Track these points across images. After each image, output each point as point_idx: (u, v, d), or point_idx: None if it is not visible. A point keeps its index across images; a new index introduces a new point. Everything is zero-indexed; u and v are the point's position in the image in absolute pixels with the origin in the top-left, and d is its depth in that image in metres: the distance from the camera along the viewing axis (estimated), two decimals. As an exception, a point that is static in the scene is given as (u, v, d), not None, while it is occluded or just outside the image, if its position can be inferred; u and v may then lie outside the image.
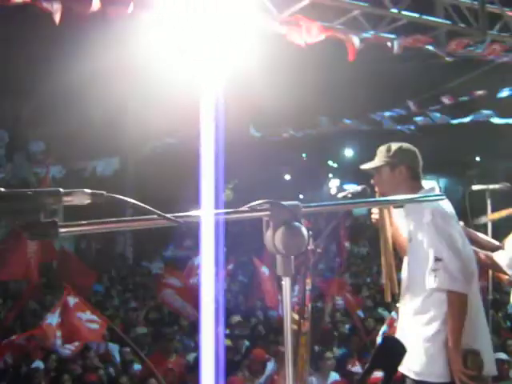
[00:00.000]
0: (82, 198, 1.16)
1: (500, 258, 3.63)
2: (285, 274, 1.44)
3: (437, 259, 3.07)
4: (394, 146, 3.41)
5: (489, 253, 3.72)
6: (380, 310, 10.12)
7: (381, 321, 8.53)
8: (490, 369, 3.20)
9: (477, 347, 3.11)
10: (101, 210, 1.91)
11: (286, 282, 1.45)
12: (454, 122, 13.97)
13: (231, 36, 5.07)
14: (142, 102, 16.33)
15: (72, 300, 6.47)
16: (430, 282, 3.11)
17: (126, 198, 1.21)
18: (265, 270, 8.89)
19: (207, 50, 4.79)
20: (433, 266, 3.08)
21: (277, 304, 8.60)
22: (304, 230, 1.41)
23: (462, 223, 3.61)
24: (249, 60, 6.07)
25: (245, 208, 1.42)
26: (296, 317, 4.18)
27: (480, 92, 9.94)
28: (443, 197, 1.93)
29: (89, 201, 1.18)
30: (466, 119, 12.48)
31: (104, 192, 1.20)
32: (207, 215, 1.39)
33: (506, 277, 4.17)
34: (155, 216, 1.23)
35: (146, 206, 1.23)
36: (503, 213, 4.12)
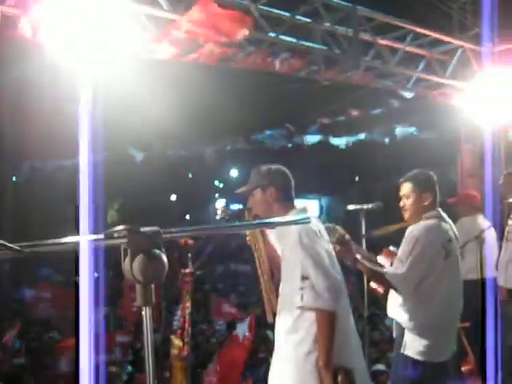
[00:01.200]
0: None
1: (391, 275, 3.75)
2: (144, 303, 1.38)
3: (303, 278, 3.09)
4: (264, 168, 3.45)
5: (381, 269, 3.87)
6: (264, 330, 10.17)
7: (265, 340, 8.59)
8: None
9: (348, 364, 3.15)
10: None
11: (145, 312, 1.40)
12: (335, 142, 14.54)
13: (107, 51, 4.97)
14: (18, 122, 15.66)
15: None
16: (297, 300, 3.12)
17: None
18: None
19: (84, 67, 4.68)
20: (300, 285, 3.09)
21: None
22: (164, 258, 1.37)
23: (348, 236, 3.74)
24: (130, 82, 5.98)
25: (101, 235, 1.35)
26: (177, 341, 4.09)
27: (356, 112, 10.40)
28: (309, 219, 1.97)
29: None
30: (344, 140, 13.03)
31: None
32: (66, 242, 1.33)
33: (381, 290, 4.34)
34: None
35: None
36: (388, 229, 4.29)
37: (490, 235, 6.01)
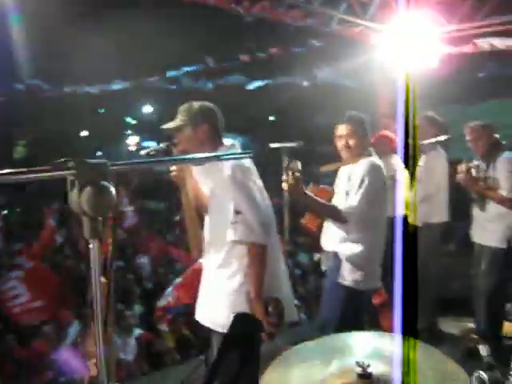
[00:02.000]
0: None
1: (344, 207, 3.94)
2: (92, 236, 1.35)
3: (236, 212, 3.17)
4: (196, 104, 3.44)
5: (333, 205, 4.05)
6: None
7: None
8: (291, 315, 3.41)
9: (278, 295, 3.27)
10: None
11: (93, 245, 1.37)
12: (252, 85, 14.37)
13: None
14: None
15: None
16: (230, 234, 3.20)
17: None
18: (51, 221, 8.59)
19: None
20: (232, 219, 3.17)
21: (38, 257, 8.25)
22: (112, 190, 1.34)
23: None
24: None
25: (47, 167, 1.30)
26: (102, 279, 4.06)
27: (276, 50, 10.28)
28: (250, 154, 1.99)
29: None
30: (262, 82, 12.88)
31: None
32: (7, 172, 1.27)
33: (313, 228, 4.48)
34: None
35: None
36: (333, 166, 4.38)
37: (403, 175, 6.26)
